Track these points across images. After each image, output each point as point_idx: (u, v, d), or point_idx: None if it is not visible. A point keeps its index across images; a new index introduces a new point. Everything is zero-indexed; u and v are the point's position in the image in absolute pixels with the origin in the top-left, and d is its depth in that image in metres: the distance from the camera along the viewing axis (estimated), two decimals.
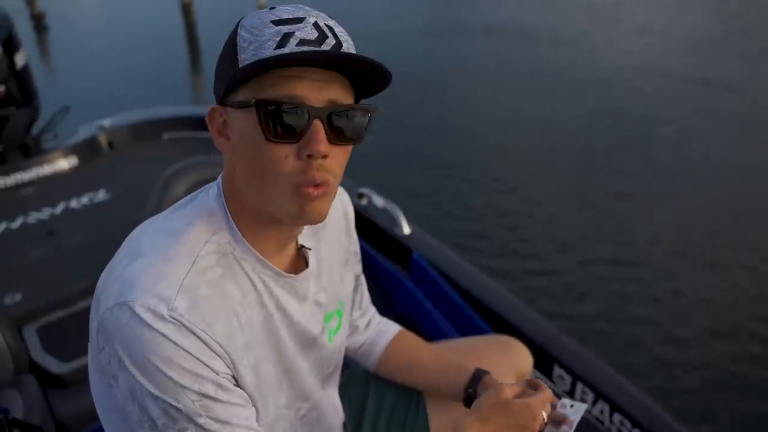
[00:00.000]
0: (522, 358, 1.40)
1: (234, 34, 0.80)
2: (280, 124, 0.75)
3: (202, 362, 0.77)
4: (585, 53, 9.32)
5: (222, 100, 0.81)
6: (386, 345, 1.29)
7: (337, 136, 0.78)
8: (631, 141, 6.20)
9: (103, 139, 3.54)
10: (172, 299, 0.76)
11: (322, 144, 0.76)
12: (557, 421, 1.01)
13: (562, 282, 4.10)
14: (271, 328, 0.90)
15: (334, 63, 0.76)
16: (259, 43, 0.76)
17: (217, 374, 0.79)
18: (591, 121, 6.78)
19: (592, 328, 3.63)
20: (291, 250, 0.94)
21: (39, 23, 12.02)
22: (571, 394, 1.81)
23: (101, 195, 3.03)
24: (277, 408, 0.94)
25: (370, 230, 2.52)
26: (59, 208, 2.93)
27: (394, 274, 2.34)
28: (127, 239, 0.86)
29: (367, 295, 1.27)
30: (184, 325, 0.76)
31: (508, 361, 1.37)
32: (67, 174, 3.32)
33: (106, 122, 3.63)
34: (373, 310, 1.31)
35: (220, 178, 0.89)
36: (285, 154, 0.76)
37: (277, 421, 0.95)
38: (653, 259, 4.35)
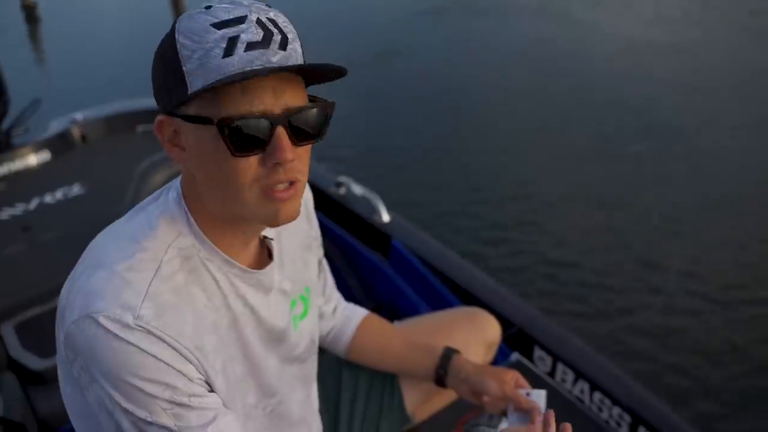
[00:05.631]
0: (490, 329, 1.46)
1: (171, 40, 0.75)
2: (244, 138, 0.74)
3: (174, 368, 0.77)
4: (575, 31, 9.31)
5: (170, 110, 0.79)
6: (354, 330, 1.31)
7: (299, 138, 0.78)
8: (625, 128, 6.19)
9: (75, 133, 3.48)
10: (137, 307, 0.75)
11: (289, 152, 0.75)
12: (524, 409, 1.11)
13: (555, 269, 4.06)
14: (237, 329, 0.90)
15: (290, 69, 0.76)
16: (203, 51, 0.73)
17: (190, 380, 0.79)
18: (581, 103, 6.71)
19: (584, 313, 3.63)
20: (254, 243, 0.94)
21: (31, 14, 11.58)
22: (552, 375, 1.84)
23: (76, 189, 2.99)
24: (245, 407, 0.94)
25: (349, 219, 2.52)
26: (33, 204, 2.89)
27: (375, 262, 2.35)
28: (89, 247, 0.85)
29: (331, 281, 1.27)
30: (151, 333, 0.75)
31: (476, 332, 1.43)
32: (40, 169, 3.26)
33: (79, 116, 3.57)
34: (338, 295, 1.31)
35: (179, 181, 0.88)
36: (249, 164, 0.76)
37: (248, 420, 0.95)
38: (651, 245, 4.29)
